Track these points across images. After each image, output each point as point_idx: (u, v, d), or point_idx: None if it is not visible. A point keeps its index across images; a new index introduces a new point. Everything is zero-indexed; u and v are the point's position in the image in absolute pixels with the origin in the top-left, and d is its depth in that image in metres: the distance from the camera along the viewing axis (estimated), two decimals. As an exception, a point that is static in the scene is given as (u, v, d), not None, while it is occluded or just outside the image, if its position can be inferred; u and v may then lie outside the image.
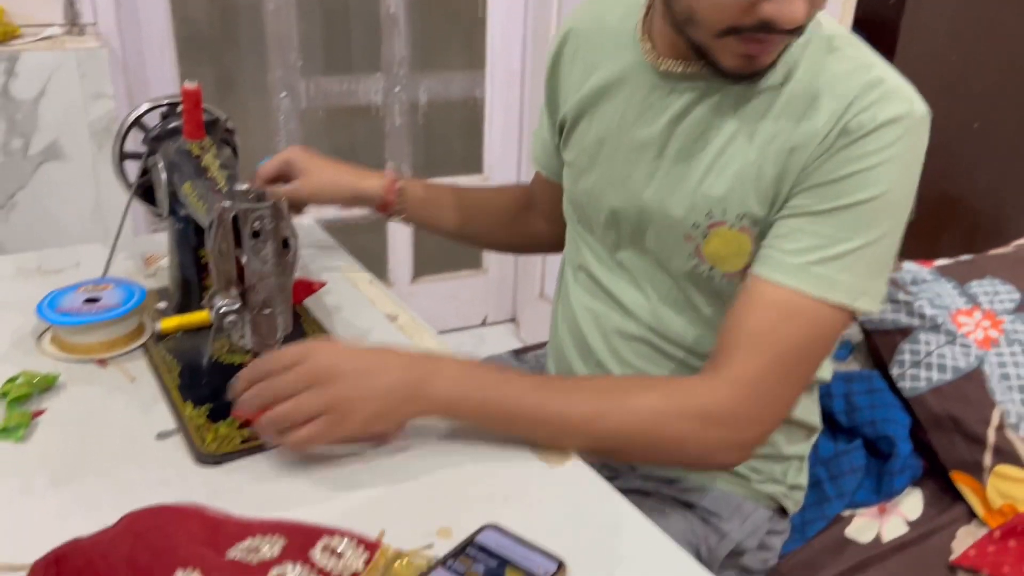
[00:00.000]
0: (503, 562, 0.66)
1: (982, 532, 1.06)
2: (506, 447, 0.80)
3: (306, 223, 1.31)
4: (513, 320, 2.76)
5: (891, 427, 1.13)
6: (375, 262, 2.49)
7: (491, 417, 0.78)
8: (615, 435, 0.78)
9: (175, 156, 0.96)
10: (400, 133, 2.45)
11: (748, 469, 1.00)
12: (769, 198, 0.82)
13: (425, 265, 2.60)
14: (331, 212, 2.35)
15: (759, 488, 1.00)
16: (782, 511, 1.03)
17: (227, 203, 0.77)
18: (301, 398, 0.73)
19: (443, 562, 0.65)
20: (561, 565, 0.65)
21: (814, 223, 0.79)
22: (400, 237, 2.52)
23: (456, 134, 2.57)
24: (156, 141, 1.00)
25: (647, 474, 1.00)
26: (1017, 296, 1.23)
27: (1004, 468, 1.08)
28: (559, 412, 0.78)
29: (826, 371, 1.00)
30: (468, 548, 0.67)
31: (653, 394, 0.80)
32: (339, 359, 0.76)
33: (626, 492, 0.97)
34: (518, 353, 1.27)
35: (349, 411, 0.74)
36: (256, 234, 0.78)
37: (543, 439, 0.79)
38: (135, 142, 1.03)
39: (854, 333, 1.25)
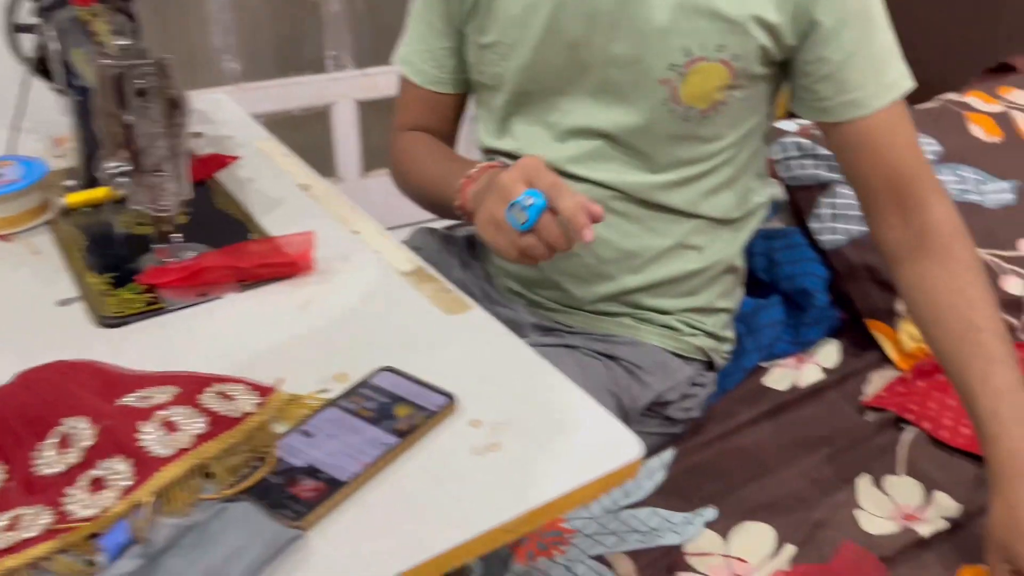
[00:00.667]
0: (395, 399, 0.67)
1: (894, 375, 1.10)
2: (405, 298, 0.81)
3: (222, 100, 1.29)
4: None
5: (809, 280, 1.15)
6: (320, 157, 2.45)
7: None
8: None
9: (65, 24, 0.93)
10: (338, 21, 2.38)
11: (679, 322, 1.02)
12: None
13: (377, 158, 2.57)
14: (269, 104, 2.30)
15: (690, 341, 1.02)
16: (709, 365, 1.06)
17: (108, 61, 0.75)
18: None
19: (335, 401, 0.67)
20: (451, 399, 0.67)
21: (844, 45, 0.86)
22: (345, 130, 2.47)
23: (401, 24, 2.50)
24: (48, 11, 0.97)
25: (580, 331, 1.02)
26: (938, 148, 1.24)
27: (916, 313, 1.11)
28: None
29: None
30: (361, 388, 0.68)
31: None
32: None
33: (553, 347, 0.99)
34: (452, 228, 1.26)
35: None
36: (141, 93, 0.77)
37: None
38: (29, 15, 0.99)
39: (779, 192, 1.26)
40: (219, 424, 0.62)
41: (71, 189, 0.99)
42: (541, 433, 0.65)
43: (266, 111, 2.28)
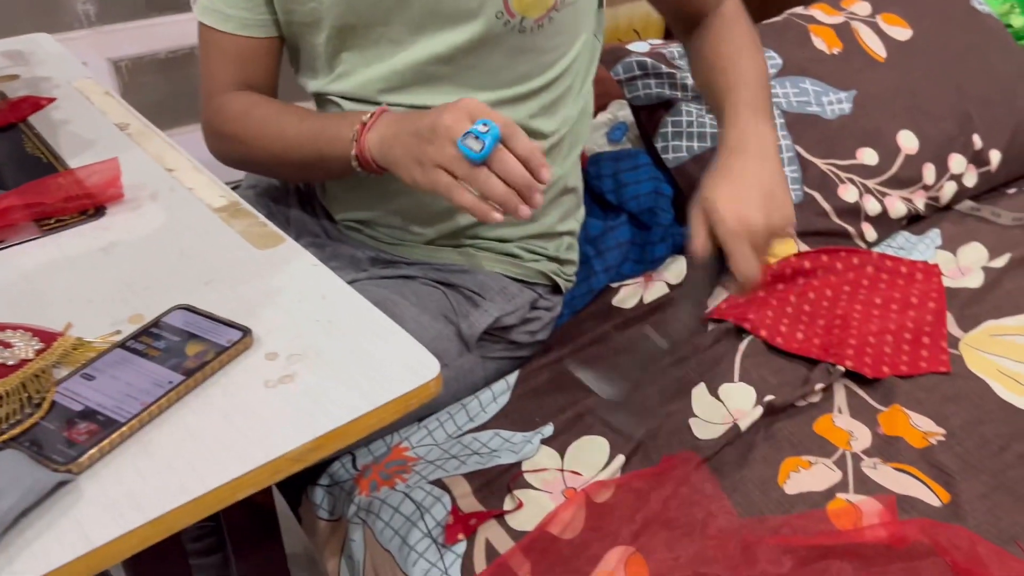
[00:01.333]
0: (187, 337, 0.65)
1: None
2: (215, 234, 0.79)
3: (42, 40, 1.21)
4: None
5: (654, 199, 1.16)
6: (191, 102, 2.35)
7: None
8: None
9: None
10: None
11: (520, 249, 1.02)
12: None
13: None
14: (132, 48, 2.19)
15: (532, 266, 1.02)
16: (555, 288, 1.06)
17: None
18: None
19: (122, 343, 0.64)
20: (246, 333, 0.65)
21: None
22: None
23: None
24: None
25: (420, 262, 1.01)
26: (779, 61, 1.25)
27: (756, 225, 1.13)
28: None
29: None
30: (152, 328, 0.66)
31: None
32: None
33: (392, 279, 0.98)
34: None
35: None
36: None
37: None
38: None
39: (627, 115, 1.26)
40: (-7, 372, 0.60)
41: None
42: (339, 361, 0.64)
43: (129, 55, 2.17)
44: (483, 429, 0.94)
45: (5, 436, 0.56)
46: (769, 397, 0.94)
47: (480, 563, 0.79)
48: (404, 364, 0.65)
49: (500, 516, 0.83)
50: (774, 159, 0.89)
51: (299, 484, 0.98)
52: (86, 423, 0.57)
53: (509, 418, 0.95)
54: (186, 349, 0.64)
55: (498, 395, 0.98)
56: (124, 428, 0.57)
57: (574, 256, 1.08)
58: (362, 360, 0.65)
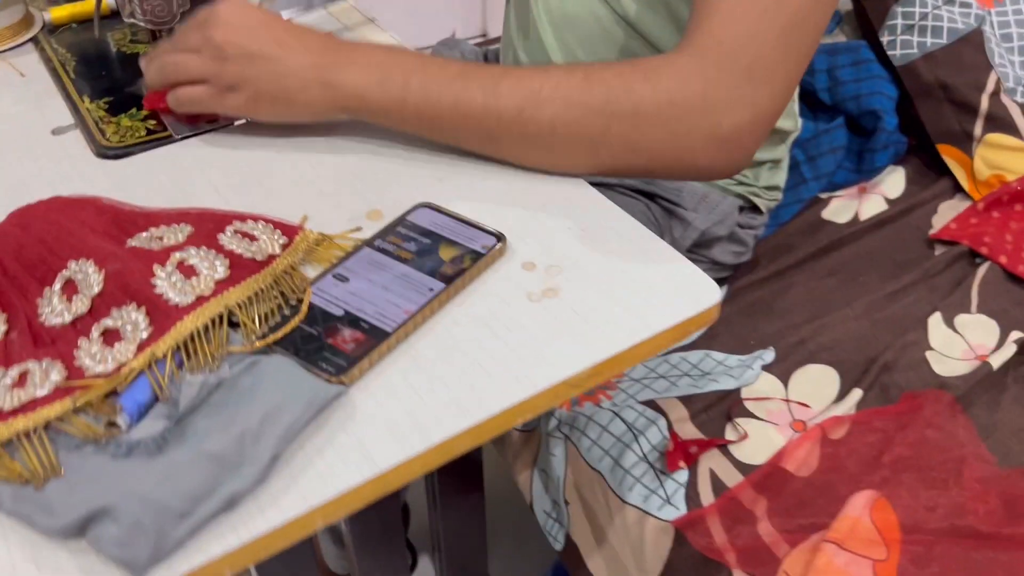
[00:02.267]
0: (438, 239, 0.59)
1: (965, 205, 1.01)
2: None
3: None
4: (483, 36, 2.58)
5: (876, 100, 1.04)
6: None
7: (409, 111, 0.65)
8: (554, 130, 0.63)
9: None
10: None
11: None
12: None
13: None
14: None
15: (727, 187, 0.92)
16: (756, 207, 0.97)
17: None
18: (194, 63, 0.65)
19: (370, 242, 0.59)
20: (501, 238, 0.59)
21: None
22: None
23: None
24: None
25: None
26: (1029, -52, 1.09)
27: (995, 136, 1.01)
28: (486, 102, 0.63)
29: None
30: (399, 227, 0.60)
31: (607, 75, 0.63)
32: (243, 31, 0.65)
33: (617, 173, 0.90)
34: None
35: (242, 86, 0.65)
36: None
37: (471, 139, 0.66)
38: None
39: (843, 1, 1.12)
40: (242, 267, 0.55)
41: (55, 1, 0.88)
42: (603, 277, 0.58)
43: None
44: (691, 349, 0.88)
45: (269, 340, 0.51)
46: (1016, 333, 0.84)
47: (707, 495, 0.74)
48: (676, 285, 0.58)
49: (724, 445, 0.77)
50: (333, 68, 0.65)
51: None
52: (351, 330, 0.52)
53: (719, 339, 0.88)
54: (439, 253, 0.58)
55: (707, 311, 0.91)
56: (392, 338, 0.52)
57: (779, 181, 0.96)
58: (628, 277, 0.58)
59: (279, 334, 0.52)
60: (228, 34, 0.65)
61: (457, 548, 0.94)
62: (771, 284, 0.94)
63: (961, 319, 0.87)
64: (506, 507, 0.98)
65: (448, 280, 0.56)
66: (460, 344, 0.53)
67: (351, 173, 0.67)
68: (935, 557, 0.67)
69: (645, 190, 0.89)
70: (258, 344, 0.51)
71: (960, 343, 0.85)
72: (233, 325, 0.53)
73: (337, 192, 0.65)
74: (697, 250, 0.91)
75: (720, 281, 0.95)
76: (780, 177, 0.94)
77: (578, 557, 0.82)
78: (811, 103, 1.09)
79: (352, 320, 0.53)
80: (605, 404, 0.83)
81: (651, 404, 0.82)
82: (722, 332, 0.89)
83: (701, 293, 0.57)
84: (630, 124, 0.63)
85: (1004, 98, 1.01)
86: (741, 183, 0.92)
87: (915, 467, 0.72)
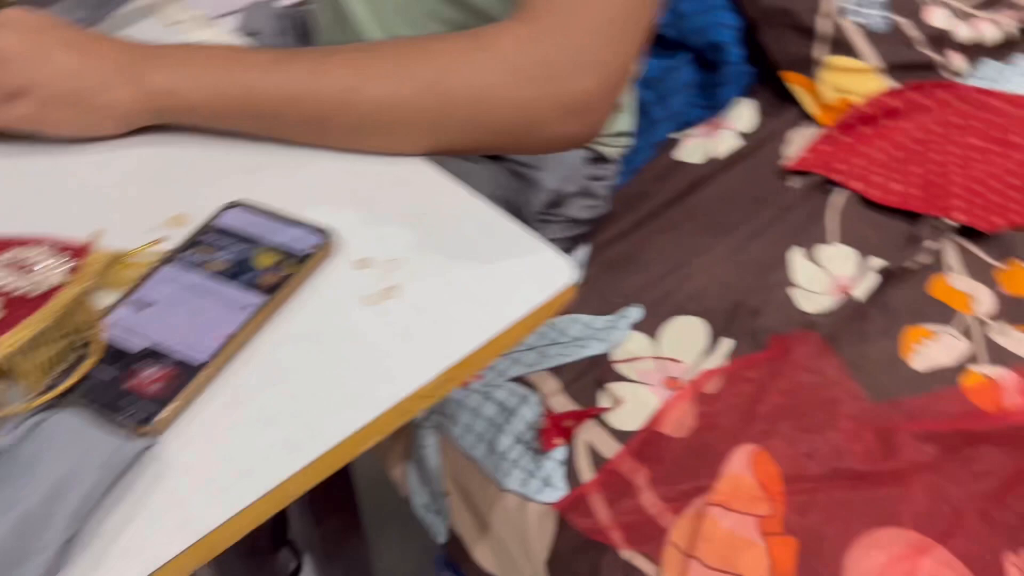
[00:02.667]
0: (253, 244, 0.52)
1: (815, 133, 1.00)
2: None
3: None
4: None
5: (719, 32, 1.01)
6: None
7: (225, 104, 0.57)
8: (385, 111, 0.57)
9: None
10: None
11: None
12: None
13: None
14: None
15: None
16: (604, 157, 0.92)
17: None
18: None
19: (174, 256, 0.51)
20: (328, 235, 0.52)
21: None
22: None
23: None
24: None
25: None
26: None
27: (836, 59, 1.00)
28: (307, 88, 0.57)
29: None
30: (207, 233, 0.53)
31: (440, 48, 0.58)
32: (28, 34, 0.57)
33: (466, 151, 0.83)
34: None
35: (27, 90, 0.56)
36: None
37: (297, 128, 0.59)
38: None
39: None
40: (17, 306, 0.46)
41: None
42: (448, 267, 0.52)
43: None
44: (559, 314, 0.83)
45: (55, 392, 0.43)
46: (875, 259, 0.84)
47: (586, 471, 0.71)
48: (528, 267, 0.52)
49: (598, 415, 0.74)
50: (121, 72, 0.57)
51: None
52: (157, 367, 0.45)
53: (585, 300, 0.84)
54: (256, 260, 0.51)
55: (570, 272, 0.87)
56: (206, 371, 0.45)
57: (626, 126, 0.92)
58: (476, 265, 0.52)
59: (67, 384, 0.44)
60: (8, 37, 0.55)
61: (336, 549, 0.88)
62: (631, 236, 0.90)
63: (822, 251, 0.86)
64: (390, 497, 0.93)
65: (269, 292, 0.49)
66: (288, 367, 0.46)
67: (145, 174, 0.58)
68: (817, 504, 0.66)
69: (489, 155, 0.84)
70: (40, 400, 0.43)
71: (823, 277, 0.84)
72: (7, 377, 0.44)
73: (131, 198, 0.57)
74: (551, 210, 0.86)
75: (580, 238, 0.91)
76: (626, 122, 0.90)
77: (463, 549, 0.78)
78: (657, 40, 1.05)
79: (157, 355, 0.45)
80: (475, 386, 0.78)
81: (521, 380, 0.77)
82: (588, 292, 0.85)
83: (556, 274, 0.52)
84: (471, 98, 0.57)
85: (842, 19, 1.00)
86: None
87: (791, 414, 0.71)
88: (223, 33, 0.71)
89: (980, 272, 0.84)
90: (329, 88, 0.56)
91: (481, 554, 0.77)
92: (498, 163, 0.84)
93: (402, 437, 0.84)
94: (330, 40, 0.85)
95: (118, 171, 0.58)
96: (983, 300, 0.81)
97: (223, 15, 1.05)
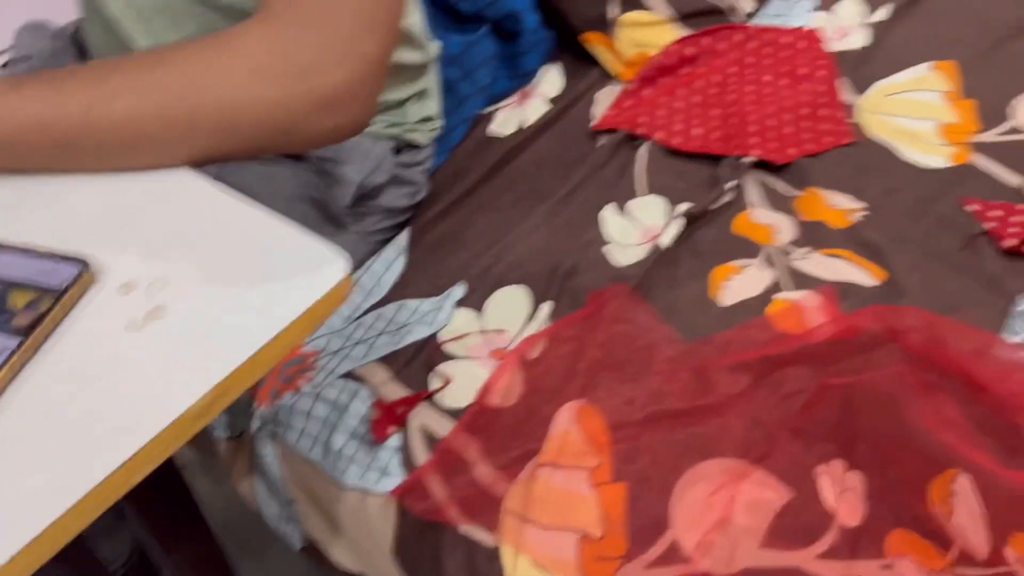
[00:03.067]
0: (7, 285, 0.50)
1: (620, 89, 1.02)
2: None
3: None
4: None
5: (515, 1, 1.02)
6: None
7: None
8: (132, 127, 0.55)
9: None
10: None
11: None
12: None
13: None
14: None
15: (378, 132, 0.86)
16: (414, 144, 0.91)
17: None
18: None
19: (-81, 311, 0.49)
20: (85, 265, 0.51)
21: None
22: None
23: None
24: None
25: None
26: None
27: (631, 15, 1.03)
28: (48, 112, 0.54)
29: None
30: (-45, 282, 0.50)
31: (183, 55, 0.56)
32: None
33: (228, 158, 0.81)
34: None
35: None
36: None
37: (44, 155, 0.56)
38: None
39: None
40: None
41: None
42: (217, 277, 0.51)
43: None
44: (384, 303, 0.84)
45: None
46: (683, 204, 0.87)
47: (421, 454, 0.71)
48: (298, 266, 0.52)
49: (429, 397, 0.74)
50: None
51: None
52: (-100, 433, 0.43)
53: (411, 286, 0.84)
54: (10, 302, 0.49)
55: (392, 261, 0.87)
56: (-44, 428, 0.43)
57: (431, 110, 0.91)
58: (246, 270, 0.52)
59: None
60: None
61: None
62: (452, 215, 0.91)
63: (632, 204, 0.89)
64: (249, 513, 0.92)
65: (26, 333, 0.47)
66: (52, 407, 0.45)
67: None
68: (643, 448, 0.68)
69: (296, 153, 0.83)
70: None
71: (633, 229, 0.86)
72: None
73: None
74: (364, 203, 0.86)
75: (404, 224, 0.91)
76: (431, 106, 0.90)
77: (321, 553, 0.78)
78: (454, 16, 1.06)
79: (-98, 418, 0.43)
80: (305, 389, 0.78)
81: (350, 375, 0.77)
82: (414, 276, 0.86)
83: (328, 269, 0.52)
84: (218, 103, 0.55)
85: (629, -25, 1.02)
86: (391, 124, 0.87)
87: (610, 366, 0.73)
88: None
89: (780, 203, 0.88)
90: (70, 108, 0.54)
91: (338, 554, 0.77)
92: (301, 162, 0.83)
93: (243, 451, 0.82)
94: (104, 56, 0.82)
95: None
96: (784, 229, 0.85)
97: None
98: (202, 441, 0.87)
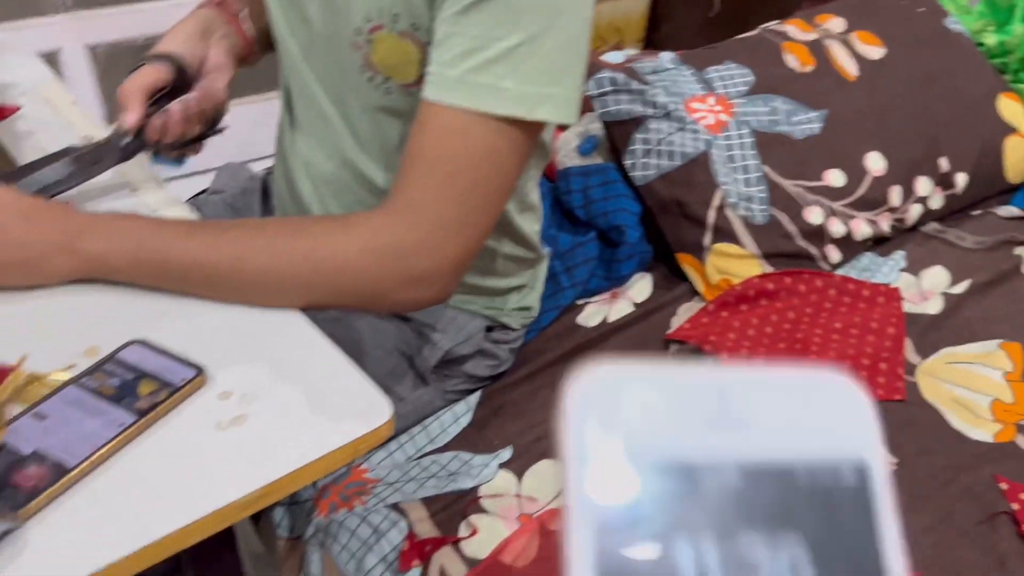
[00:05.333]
0: (141, 375, 0.65)
1: (700, 307, 1.13)
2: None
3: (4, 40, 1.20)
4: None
5: (621, 216, 1.17)
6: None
7: (144, 268, 0.73)
8: (266, 277, 0.72)
9: None
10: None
11: (461, 301, 0.99)
12: None
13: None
14: (101, 35, 2.17)
15: (476, 311, 1.00)
16: (507, 326, 1.04)
17: None
18: None
19: (76, 380, 0.65)
20: (200, 372, 0.66)
21: (462, 22, 0.70)
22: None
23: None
24: None
25: None
26: (751, 79, 1.26)
27: (722, 246, 1.14)
28: (207, 256, 0.72)
29: (534, 194, 0.98)
30: (107, 364, 0.66)
31: (313, 229, 0.74)
32: None
33: (348, 314, 0.97)
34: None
35: None
36: None
37: (196, 286, 0.73)
38: None
39: (597, 128, 1.26)
40: (-56, 412, 0.60)
41: None
42: (292, 401, 0.65)
43: (106, 41, 2.15)
44: (444, 451, 0.95)
45: (-47, 481, 0.56)
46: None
47: (434, 592, 0.81)
48: (356, 407, 0.65)
49: (455, 543, 0.84)
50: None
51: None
52: (35, 467, 0.58)
53: (470, 440, 0.96)
54: (139, 388, 0.64)
55: (460, 416, 0.99)
56: (73, 473, 0.58)
57: (531, 302, 1.05)
58: (315, 400, 0.66)
59: (-35, 475, 0.57)
60: None
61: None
62: (522, 386, 1.03)
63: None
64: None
65: (141, 414, 0.62)
66: (141, 476, 0.59)
67: (72, 309, 0.73)
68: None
69: (400, 315, 0.98)
70: (-60, 486, 0.56)
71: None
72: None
73: (61, 332, 0.71)
74: (449, 367, 0.99)
75: (476, 389, 1.04)
76: (531, 298, 1.04)
77: (334, 658, 0.87)
78: (569, 219, 1.21)
79: (39, 457, 0.58)
80: (357, 509, 0.89)
81: (396, 507, 0.88)
82: (474, 433, 0.97)
83: (374, 413, 0.65)
84: (331, 270, 0.72)
85: (728, 212, 1.15)
86: (489, 307, 1.01)
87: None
88: (166, 198, 0.87)
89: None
90: (222, 257, 0.72)
91: (348, 664, 0.86)
92: (406, 322, 0.98)
93: (296, 553, 0.94)
94: (281, 204, 1.01)
95: (52, 305, 0.73)
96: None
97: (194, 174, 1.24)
98: (268, 537, 1.00)
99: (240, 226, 0.75)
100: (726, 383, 0.20)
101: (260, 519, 1.00)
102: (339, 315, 0.93)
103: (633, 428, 0.20)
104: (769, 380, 0.20)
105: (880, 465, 0.20)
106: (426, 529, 0.86)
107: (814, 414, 0.20)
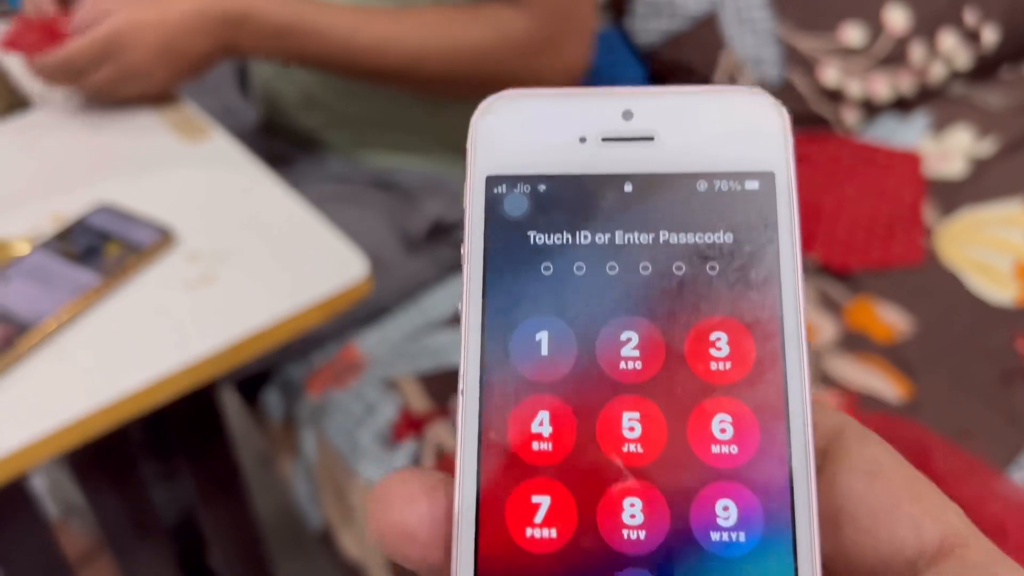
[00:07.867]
0: (106, 237, 0.63)
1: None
2: (137, 120, 0.75)
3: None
4: None
5: (625, 83, 1.11)
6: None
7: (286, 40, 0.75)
8: (441, 73, 0.79)
9: None
10: None
11: (451, 163, 0.97)
12: None
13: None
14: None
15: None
16: None
17: None
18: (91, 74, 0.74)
19: (43, 244, 0.62)
20: (167, 234, 0.63)
21: None
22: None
23: None
24: None
25: (342, 175, 0.96)
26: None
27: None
28: (378, 43, 0.77)
29: None
30: (74, 228, 0.64)
31: (475, 27, 0.79)
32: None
33: (332, 182, 0.94)
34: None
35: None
36: None
37: (361, 74, 0.79)
38: None
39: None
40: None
41: None
42: (264, 262, 0.62)
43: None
44: (439, 328, 0.93)
45: (-88, 342, 0.54)
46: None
47: (428, 463, 0.79)
48: (331, 264, 0.62)
49: (450, 417, 0.82)
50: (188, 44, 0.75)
51: (256, 385, 0.98)
52: (2, 326, 0.55)
53: (467, 315, 0.93)
54: (105, 250, 0.62)
55: (453, 290, 0.96)
56: (36, 330, 0.55)
57: None
58: (289, 260, 0.63)
59: (-75, 336, 0.55)
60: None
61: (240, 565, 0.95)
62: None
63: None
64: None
65: (108, 274, 0.60)
66: (109, 334, 0.57)
67: (45, 178, 0.70)
68: None
69: (382, 183, 0.94)
70: (-102, 346, 0.54)
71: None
72: None
73: (26, 198, 0.68)
74: (439, 236, 0.95)
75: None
76: None
77: (332, 538, 0.87)
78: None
79: (3, 317, 0.56)
80: (351, 386, 0.88)
81: (389, 382, 0.86)
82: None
83: (351, 268, 0.62)
84: (498, 66, 0.80)
85: (738, 75, 1.09)
86: None
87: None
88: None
89: (830, 306, 0.91)
90: (394, 49, 0.77)
91: (346, 541, 0.85)
92: (392, 191, 0.94)
93: (290, 434, 0.93)
94: None
95: (21, 172, 0.70)
96: (826, 331, 0.88)
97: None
98: (261, 422, 0.99)
99: (411, 18, 0.79)
100: (633, 97, 0.20)
101: (255, 404, 0.99)
102: (326, 182, 0.90)
103: (534, 142, 0.20)
104: (679, 95, 0.20)
105: (785, 176, 0.20)
106: (421, 403, 0.84)
107: (723, 128, 0.20)
